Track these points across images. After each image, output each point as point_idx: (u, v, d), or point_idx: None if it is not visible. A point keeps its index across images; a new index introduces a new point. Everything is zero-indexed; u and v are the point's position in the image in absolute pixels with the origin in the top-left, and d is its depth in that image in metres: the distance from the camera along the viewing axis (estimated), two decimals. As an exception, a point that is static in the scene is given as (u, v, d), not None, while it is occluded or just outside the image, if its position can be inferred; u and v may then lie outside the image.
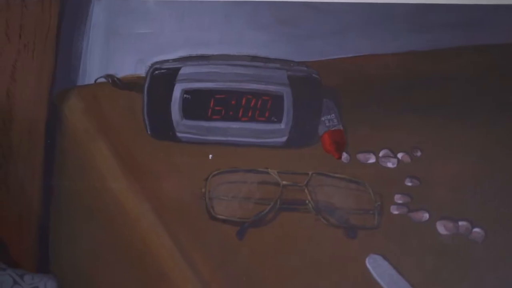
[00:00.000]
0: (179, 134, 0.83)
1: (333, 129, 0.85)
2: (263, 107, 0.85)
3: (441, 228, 0.80)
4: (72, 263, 0.82)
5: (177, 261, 0.80)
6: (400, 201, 0.81)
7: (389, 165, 0.83)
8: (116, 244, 0.81)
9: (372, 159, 0.83)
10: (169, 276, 0.80)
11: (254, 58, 0.86)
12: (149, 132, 0.82)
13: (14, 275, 0.81)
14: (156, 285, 0.79)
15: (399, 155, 0.82)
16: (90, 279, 0.81)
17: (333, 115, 0.86)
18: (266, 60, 0.85)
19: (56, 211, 0.83)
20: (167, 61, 0.86)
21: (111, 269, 0.81)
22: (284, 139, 0.83)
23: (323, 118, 0.84)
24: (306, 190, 0.81)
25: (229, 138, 0.83)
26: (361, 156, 0.83)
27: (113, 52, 0.88)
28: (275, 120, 0.84)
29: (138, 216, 0.81)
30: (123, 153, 0.84)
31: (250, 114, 0.85)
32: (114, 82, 0.88)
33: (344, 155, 0.82)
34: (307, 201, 0.80)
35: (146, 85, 0.83)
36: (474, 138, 0.83)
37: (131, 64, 0.88)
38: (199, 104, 0.83)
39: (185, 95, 0.85)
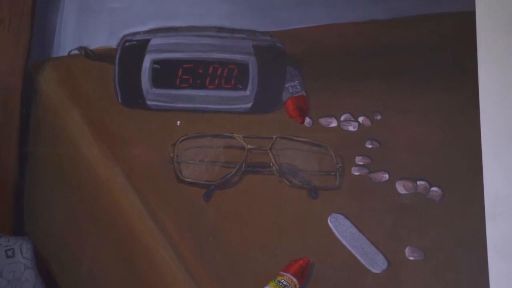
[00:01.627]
0: (148, 102, 0.81)
1: (296, 95, 0.84)
2: (229, 75, 0.84)
3: (400, 187, 0.78)
4: (46, 225, 0.79)
5: (146, 222, 0.79)
6: (360, 163, 0.79)
7: (350, 128, 0.81)
8: (88, 207, 0.79)
9: (334, 123, 0.81)
10: (139, 237, 0.79)
11: (220, 29, 0.84)
12: (120, 101, 0.81)
13: (-9, 238, 0.81)
14: (127, 245, 0.77)
15: (360, 119, 0.80)
16: (63, 240, 0.79)
17: (296, 82, 0.85)
18: (232, 30, 0.84)
19: (31, 176, 0.81)
20: (137, 33, 0.84)
21: (84, 231, 0.78)
22: (249, 105, 0.82)
23: (286, 85, 0.83)
24: (270, 154, 0.80)
25: (197, 105, 0.81)
26: (323, 121, 0.81)
27: (86, 26, 0.87)
28: (241, 87, 0.83)
29: (109, 180, 0.79)
30: (95, 120, 0.82)
31: (216, 82, 0.84)
32: (87, 53, 0.87)
33: (307, 120, 0.81)
34: (271, 164, 0.79)
35: (118, 56, 0.82)
36: (433, 104, 0.81)
37: (103, 37, 0.86)
38: (168, 73, 0.81)
39: (154, 65, 0.84)
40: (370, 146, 0.81)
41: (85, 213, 0.79)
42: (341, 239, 0.77)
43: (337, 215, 0.78)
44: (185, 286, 0.76)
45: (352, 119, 0.81)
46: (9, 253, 0.78)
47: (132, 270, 0.77)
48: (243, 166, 0.79)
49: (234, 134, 0.81)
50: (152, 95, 0.83)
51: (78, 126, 0.82)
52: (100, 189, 0.79)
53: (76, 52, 0.86)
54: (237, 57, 0.83)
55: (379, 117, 0.81)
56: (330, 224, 0.78)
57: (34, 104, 0.84)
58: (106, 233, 0.79)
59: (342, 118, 0.82)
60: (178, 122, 0.82)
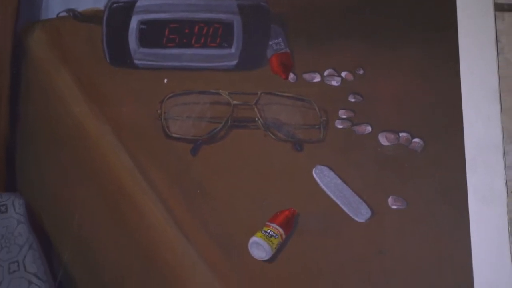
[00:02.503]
0: (136, 62, 0.80)
1: (280, 52, 0.83)
2: (215, 34, 0.83)
3: (383, 139, 0.78)
4: (38, 182, 0.79)
5: (135, 176, 0.78)
6: (344, 116, 0.79)
7: (333, 83, 0.80)
8: (78, 163, 0.78)
9: (317, 78, 0.81)
10: (128, 190, 0.78)
11: (205, -11, 0.86)
12: (108, 61, 0.80)
13: (-17, 195, 0.81)
14: (116, 199, 0.77)
15: (343, 74, 0.79)
16: (54, 195, 0.78)
17: (280, 39, 0.84)
18: (217, -10, 0.86)
19: (22, 134, 0.80)
20: (124, -6, 0.86)
21: (74, 186, 0.78)
22: (234, 62, 0.81)
23: (270, 42, 0.82)
24: (255, 109, 0.79)
25: (183, 64, 0.80)
26: (307, 76, 0.81)
27: (74, -12, 0.88)
28: (226, 45, 0.82)
29: (98, 137, 0.79)
30: (84, 80, 0.81)
31: (202, 41, 0.83)
32: (75, 15, 0.86)
33: (291, 76, 0.80)
34: (256, 119, 0.78)
35: (105, 17, 0.81)
36: (413, 58, 0.80)
37: (91, -1, 0.87)
38: (154, 33, 0.80)
39: (141, 26, 0.83)
40: (353, 100, 0.80)
41: (75, 169, 0.79)
42: (325, 189, 0.77)
43: (322, 166, 0.78)
44: (173, 238, 0.76)
45: (335, 74, 0.81)
46: (2, 208, 0.78)
47: (121, 223, 0.77)
48: (229, 121, 0.79)
49: (220, 91, 0.80)
50: (140, 54, 0.82)
51: (67, 86, 0.82)
52: (89, 146, 0.78)
53: (64, 14, 0.85)
54: (222, 16, 0.82)
55: (361, 71, 0.81)
56: (314, 175, 0.78)
57: (24, 65, 0.83)
58: (96, 188, 0.78)
59: (326, 73, 0.81)
60: (165, 80, 0.82)
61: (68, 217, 0.77)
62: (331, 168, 0.77)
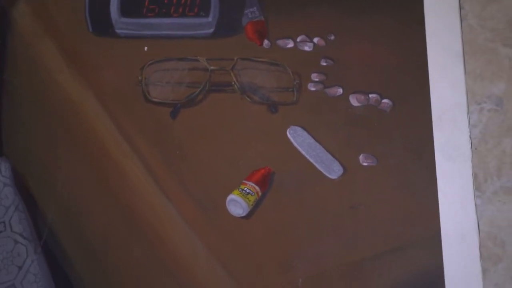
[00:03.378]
0: (117, 31, 0.81)
1: (255, 20, 0.83)
2: (192, 4, 0.83)
3: (354, 100, 0.79)
4: (23, 146, 0.78)
5: (116, 139, 0.78)
6: (316, 79, 0.79)
7: (306, 48, 0.81)
8: (62, 128, 0.78)
9: (291, 44, 0.81)
10: (110, 152, 0.78)
11: (183, -39, 0.87)
12: (90, 30, 0.80)
13: (-29, 159, 0.82)
14: (99, 160, 0.77)
15: (315, 40, 0.80)
16: (39, 159, 0.78)
17: (255, 8, 0.85)
18: (194, -38, 0.87)
19: (8, 101, 0.80)
20: (105, -34, 0.87)
21: (59, 150, 0.78)
22: (211, 30, 0.81)
23: (246, 11, 0.82)
24: (231, 74, 0.80)
25: (163, 32, 0.80)
26: (280, 42, 0.81)
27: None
28: (203, 14, 0.82)
29: (81, 102, 0.79)
30: (67, 49, 0.81)
31: (180, 10, 0.84)
32: (58, -12, 0.88)
33: (265, 42, 0.80)
34: (233, 83, 0.79)
35: (88, -11, 0.86)
36: (381, 23, 0.81)
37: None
38: (135, 3, 0.81)
39: (122, -4, 0.86)
40: (324, 64, 0.81)
41: (59, 133, 0.79)
42: (299, 149, 0.78)
43: (295, 127, 0.79)
44: (154, 197, 0.76)
45: (308, 40, 0.82)
46: (-11, 172, 0.79)
47: (104, 182, 0.77)
48: (207, 85, 0.80)
49: (198, 57, 0.82)
50: (121, 24, 0.82)
51: (51, 55, 0.82)
52: (73, 111, 0.79)
53: (48, -13, 0.87)
54: (200, -14, 0.84)
55: (332, 37, 0.82)
56: (289, 135, 0.79)
57: (10, 36, 0.84)
58: (80, 151, 0.78)
59: (298, 39, 0.82)
60: (146, 48, 0.82)
61: (53, 179, 0.78)
62: (304, 129, 0.78)
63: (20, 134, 0.80)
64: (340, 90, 0.80)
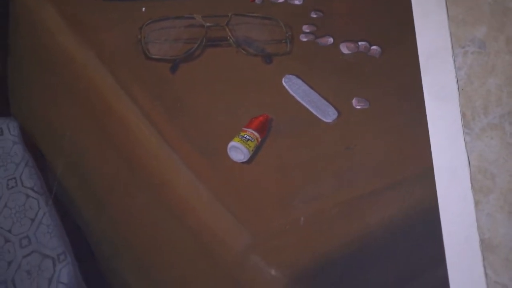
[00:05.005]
0: None
1: (246, -22, 0.86)
2: (186, -35, 0.86)
3: (344, 48, 0.79)
4: (29, 106, 0.78)
5: (119, 95, 0.78)
6: (307, 30, 0.79)
7: (296, 2, 0.80)
8: (66, 87, 0.78)
9: None
10: (114, 108, 0.77)
11: None
12: (89, -5, 0.84)
13: (-21, 120, 0.82)
14: (103, 116, 0.76)
15: None
16: (46, 118, 0.77)
17: (246, -33, 0.87)
18: None
19: (13, 64, 0.79)
20: None
21: (64, 108, 0.77)
22: None
23: None
24: (227, 29, 0.79)
25: None
26: (271, -3, 0.85)
27: None
28: (197, -25, 0.86)
29: (84, 62, 0.78)
30: (69, 13, 0.80)
31: (175, -28, 0.86)
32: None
33: None
34: (228, 37, 0.79)
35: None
36: None
37: None
38: None
39: (119, -38, 0.86)
40: (314, 16, 0.81)
41: (64, 92, 0.78)
42: (295, 95, 0.78)
43: (290, 76, 0.78)
44: (157, 147, 0.75)
45: (297, -6, 0.84)
46: (-2, 132, 0.80)
47: (109, 137, 0.76)
48: (204, 41, 0.79)
49: (194, 15, 0.83)
50: (118, -13, 0.84)
51: (53, 20, 0.81)
52: (76, 70, 0.78)
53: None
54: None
55: (321, -10, 0.84)
56: (284, 83, 0.79)
57: (12, 4, 0.84)
58: (84, 108, 0.77)
59: (289, -6, 0.84)
60: (143, 8, 0.83)
61: (59, 136, 0.77)
62: (298, 77, 0.79)
63: (26, 95, 0.79)
64: (331, 40, 0.80)
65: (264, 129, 0.76)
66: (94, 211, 0.74)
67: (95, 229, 0.74)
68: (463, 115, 0.76)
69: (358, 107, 0.76)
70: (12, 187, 0.75)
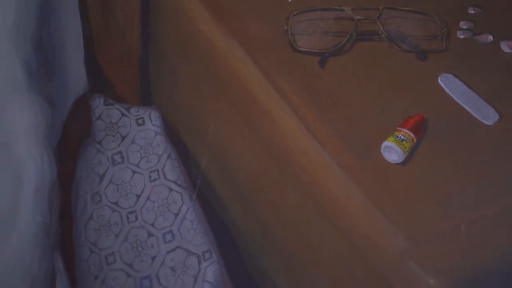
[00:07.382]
0: None
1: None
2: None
3: (505, 47, 0.72)
4: (171, 95, 0.74)
5: (265, 88, 0.72)
6: (465, 27, 0.73)
7: None
8: (209, 77, 0.73)
9: None
10: (259, 101, 0.72)
11: None
12: (232, -17, 0.80)
13: (122, 109, 0.75)
14: (248, 108, 0.71)
15: None
16: (188, 108, 0.74)
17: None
18: None
19: (154, 53, 0.76)
20: None
21: (207, 99, 0.73)
22: None
23: None
24: (378, 23, 0.73)
25: None
26: (426, -9, 0.79)
27: None
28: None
29: (227, 52, 0.73)
30: (211, 2, 0.78)
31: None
32: None
33: None
34: (380, 31, 0.73)
35: None
36: None
37: None
38: None
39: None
40: (472, 12, 0.75)
41: (206, 82, 0.74)
42: (452, 95, 0.71)
43: (447, 74, 0.72)
44: (306, 143, 0.69)
45: (453, -12, 0.78)
46: (139, 121, 0.74)
47: (255, 130, 0.72)
48: (354, 34, 0.74)
49: (343, 7, 0.78)
50: (263, -24, 0.80)
51: (195, 7, 0.77)
52: (219, 61, 0.73)
53: None
54: None
55: (478, -15, 0.78)
56: (440, 82, 0.72)
57: (151, -8, 0.81)
58: (228, 99, 0.72)
59: (444, -12, 0.78)
60: (289, -1, 0.79)
61: (203, 127, 0.74)
62: (455, 75, 0.74)
63: (168, 84, 0.75)
64: (491, 37, 0.73)
65: (419, 129, 0.70)
66: (240, 207, 0.70)
67: (242, 227, 0.69)
68: None
69: (521, 111, 0.70)
70: (155, 179, 0.70)
